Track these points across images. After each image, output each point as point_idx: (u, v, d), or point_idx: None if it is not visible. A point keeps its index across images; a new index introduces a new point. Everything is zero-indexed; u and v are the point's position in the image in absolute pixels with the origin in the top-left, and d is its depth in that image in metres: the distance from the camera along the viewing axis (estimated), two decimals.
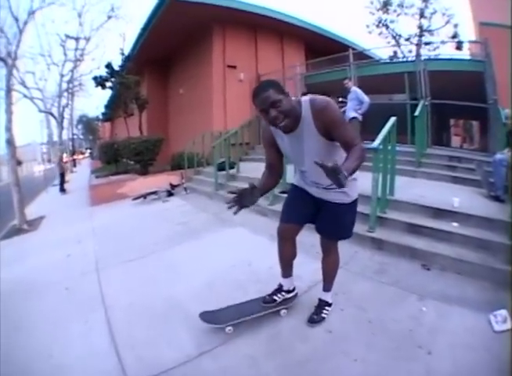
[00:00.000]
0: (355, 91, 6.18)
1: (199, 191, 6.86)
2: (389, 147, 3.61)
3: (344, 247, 3.09)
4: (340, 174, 1.27)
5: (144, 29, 10.53)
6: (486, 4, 10.48)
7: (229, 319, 1.98)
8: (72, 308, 2.51)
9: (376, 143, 3.22)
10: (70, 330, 2.18)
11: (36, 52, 15.82)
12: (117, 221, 5.43)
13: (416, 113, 5.26)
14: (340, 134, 1.57)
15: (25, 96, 14.72)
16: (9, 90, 6.76)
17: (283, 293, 2.13)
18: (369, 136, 6.89)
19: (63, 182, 10.38)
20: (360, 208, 3.49)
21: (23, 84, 14.62)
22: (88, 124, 39.04)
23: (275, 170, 1.92)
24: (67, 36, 14.98)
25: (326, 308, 2.08)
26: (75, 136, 30.84)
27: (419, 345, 1.75)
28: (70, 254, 3.80)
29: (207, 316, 2.04)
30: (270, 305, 2.08)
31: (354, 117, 6.11)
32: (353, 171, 1.40)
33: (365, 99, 6.03)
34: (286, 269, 2.11)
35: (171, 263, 3.20)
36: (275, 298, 2.10)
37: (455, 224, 3.10)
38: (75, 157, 26.45)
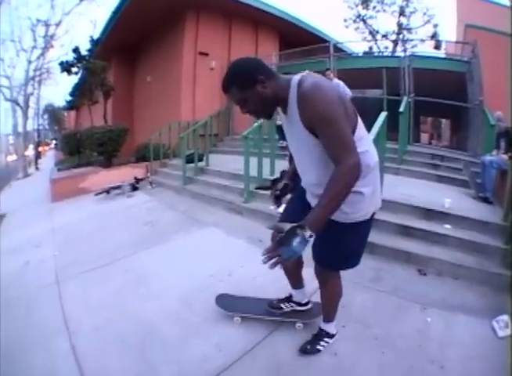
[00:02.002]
0: (338, 83, 5.93)
1: (165, 185, 6.38)
2: None
3: None
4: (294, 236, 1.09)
5: (115, 12, 9.81)
6: (473, 7, 10.74)
7: (240, 311, 1.96)
8: (33, 332, 2.10)
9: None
10: (32, 361, 1.80)
11: (7, 38, 14.56)
12: (78, 220, 4.91)
13: (401, 109, 5.15)
14: (324, 137, 1.19)
15: None
16: None
17: (292, 304, 1.92)
18: None
19: None
20: None
21: None
22: (53, 114, 36.84)
23: None
24: (38, 20, 13.92)
25: (326, 340, 1.75)
26: (41, 127, 28.89)
27: (431, 360, 1.64)
28: (28, 261, 3.36)
29: (223, 300, 2.03)
30: (275, 312, 1.91)
31: None
32: (327, 215, 1.15)
33: (348, 91, 5.81)
34: (294, 280, 1.89)
35: (139, 273, 2.79)
36: (282, 306, 1.91)
37: (447, 226, 3.02)
38: (39, 149, 24.79)
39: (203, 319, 2.01)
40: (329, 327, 1.75)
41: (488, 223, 2.92)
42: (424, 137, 16.93)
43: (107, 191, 6.14)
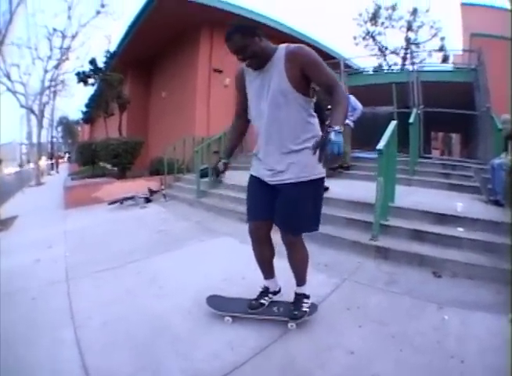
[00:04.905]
0: (348, 97, 6.02)
1: (179, 198, 6.47)
2: None
3: (346, 258, 2.94)
4: (328, 134, 1.27)
5: (131, 26, 10.18)
6: (477, 15, 10.89)
7: (231, 311, 1.96)
8: (38, 323, 2.09)
9: (381, 145, 3.04)
10: (34, 351, 1.77)
11: (23, 44, 14.84)
12: (91, 226, 4.96)
13: (411, 120, 5.16)
14: (317, 74, 1.55)
15: (8, 89, 13.92)
16: None
17: (270, 295, 1.99)
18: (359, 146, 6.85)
19: None
20: (360, 216, 3.44)
21: (7, 76, 13.86)
22: (67, 127, 37.74)
23: (242, 121, 1.90)
24: (55, 29, 14.31)
25: (305, 300, 1.89)
26: (54, 139, 29.60)
27: (450, 355, 1.63)
28: (39, 259, 3.37)
29: (214, 301, 2.04)
30: (258, 311, 1.92)
31: (346, 124, 5.93)
32: (343, 119, 1.41)
33: (359, 105, 5.88)
34: (268, 271, 1.97)
35: (152, 275, 2.78)
36: (262, 301, 1.95)
37: (460, 229, 3.01)
38: (52, 161, 25.35)
39: (216, 319, 1.99)
40: (304, 289, 1.91)
41: (500, 223, 2.93)
42: (435, 153, 16.88)
43: (121, 201, 6.20)
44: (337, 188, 4.56)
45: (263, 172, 1.76)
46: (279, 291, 2.02)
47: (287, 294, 2.01)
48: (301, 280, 1.89)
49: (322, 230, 3.32)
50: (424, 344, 1.72)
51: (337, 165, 6.09)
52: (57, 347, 1.80)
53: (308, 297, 1.91)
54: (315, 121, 1.71)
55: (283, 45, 1.61)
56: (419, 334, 1.80)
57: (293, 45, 1.58)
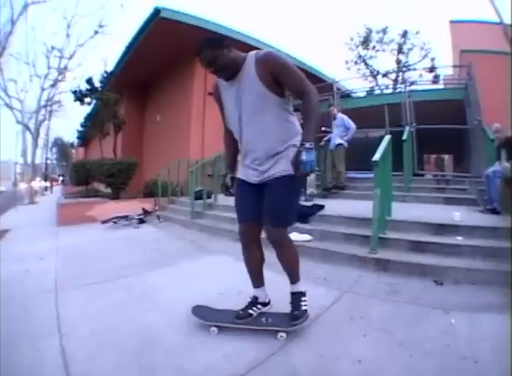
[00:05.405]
0: (342, 117, 6.16)
1: (173, 220, 6.40)
2: None
3: (345, 272, 2.88)
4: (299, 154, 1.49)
5: (129, 47, 10.41)
6: (466, 32, 11.37)
7: (218, 321, 1.89)
8: (23, 329, 1.99)
9: (377, 157, 3.05)
10: (17, 357, 1.67)
11: (22, 59, 15.06)
12: (84, 242, 4.85)
13: (404, 137, 5.26)
14: (285, 79, 1.60)
15: (6, 105, 14.06)
16: None
17: (259, 305, 1.91)
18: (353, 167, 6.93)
19: None
20: (357, 231, 3.40)
21: (5, 91, 14.02)
22: (62, 148, 37.81)
23: (231, 133, 1.89)
24: (53, 47, 14.72)
25: (303, 298, 1.85)
26: (49, 161, 29.54)
27: (462, 356, 1.58)
28: (29, 270, 3.28)
29: (199, 311, 1.99)
30: (246, 321, 1.84)
31: (340, 144, 6.03)
32: (314, 128, 1.57)
33: (352, 125, 6.01)
34: (257, 278, 1.93)
35: (144, 289, 2.68)
36: (250, 312, 1.87)
37: (459, 238, 3.01)
38: (47, 183, 25.12)
39: (211, 331, 1.88)
40: (299, 287, 1.86)
41: (497, 229, 2.99)
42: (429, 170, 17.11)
43: (114, 221, 6.13)
44: (334, 206, 4.58)
45: (249, 173, 1.79)
46: (268, 303, 1.96)
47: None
48: (294, 277, 1.86)
49: (319, 246, 3.35)
50: (434, 348, 1.67)
51: (332, 185, 6.14)
52: (41, 354, 1.70)
53: (304, 294, 1.86)
54: (295, 118, 1.77)
55: (252, 53, 1.66)
56: (427, 339, 1.75)
57: (262, 51, 1.64)
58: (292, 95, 1.75)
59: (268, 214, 1.72)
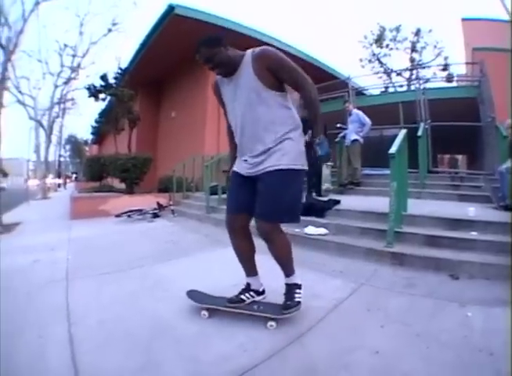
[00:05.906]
0: (357, 113, 6.10)
1: (188, 214, 6.44)
2: None
3: (362, 265, 2.86)
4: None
5: (143, 44, 10.48)
6: (478, 29, 11.16)
7: (210, 303, 1.94)
8: (28, 316, 2.00)
9: (393, 149, 3.01)
10: (23, 345, 1.66)
11: (34, 56, 15.01)
12: (97, 235, 4.90)
13: (419, 133, 5.17)
14: (282, 74, 1.64)
15: (18, 101, 14.12)
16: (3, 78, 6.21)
17: (252, 293, 1.93)
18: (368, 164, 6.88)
19: None
20: (373, 225, 3.36)
21: (17, 88, 14.10)
22: (76, 146, 38.40)
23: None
24: (66, 45, 14.79)
25: (297, 290, 1.84)
26: (62, 158, 30.04)
27: (479, 348, 1.58)
28: (38, 260, 3.30)
29: (194, 294, 2.04)
30: (238, 305, 1.87)
31: (355, 140, 5.98)
32: (319, 123, 1.70)
33: (367, 121, 5.95)
34: (249, 267, 1.96)
35: (158, 279, 2.68)
36: (242, 297, 1.89)
37: (474, 233, 2.97)
38: (60, 180, 25.54)
39: (227, 321, 1.87)
40: (294, 279, 1.86)
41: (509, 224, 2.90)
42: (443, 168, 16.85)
43: (128, 214, 6.18)
44: (349, 201, 4.55)
45: (243, 166, 1.81)
46: (262, 293, 1.96)
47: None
48: (288, 270, 1.85)
49: (335, 239, 3.31)
50: (451, 340, 1.66)
51: (347, 181, 6.10)
52: (48, 343, 1.69)
53: (299, 287, 1.86)
54: (292, 112, 1.76)
55: (249, 50, 1.71)
56: (444, 331, 1.74)
57: (258, 48, 1.68)
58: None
59: (258, 207, 1.73)
